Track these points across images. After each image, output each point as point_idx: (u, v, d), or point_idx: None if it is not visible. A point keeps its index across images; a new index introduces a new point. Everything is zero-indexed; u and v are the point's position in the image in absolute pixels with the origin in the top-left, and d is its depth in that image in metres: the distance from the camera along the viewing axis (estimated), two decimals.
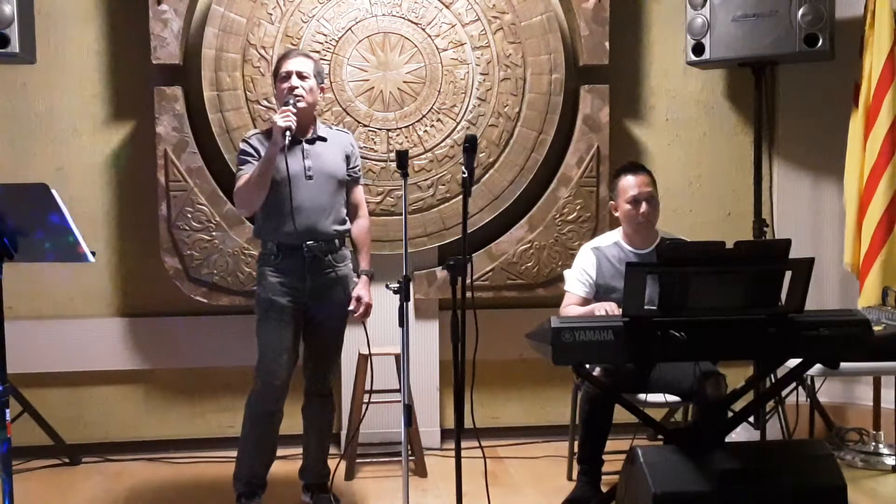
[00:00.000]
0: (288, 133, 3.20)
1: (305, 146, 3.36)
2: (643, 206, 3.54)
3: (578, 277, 3.64)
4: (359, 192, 3.58)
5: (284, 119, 3.20)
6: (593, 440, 3.47)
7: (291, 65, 3.35)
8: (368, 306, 3.47)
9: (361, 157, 4.18)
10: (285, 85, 3.33)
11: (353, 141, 3.58)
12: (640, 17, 4.50)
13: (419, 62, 4.20)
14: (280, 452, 4.10)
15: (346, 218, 3.48)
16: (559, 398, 4.43)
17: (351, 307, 3.43)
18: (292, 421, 3.50)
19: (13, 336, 2.96)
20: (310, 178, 3.34)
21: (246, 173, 3.32)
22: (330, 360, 3.55)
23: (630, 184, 3.57)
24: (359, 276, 3.50)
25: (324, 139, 3.42)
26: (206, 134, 4.13)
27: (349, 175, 3.48)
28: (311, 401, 3.54)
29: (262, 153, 3.30)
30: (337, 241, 3.42)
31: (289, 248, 3.34)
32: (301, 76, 3.34)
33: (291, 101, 3.27)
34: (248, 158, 3.34)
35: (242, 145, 3.41)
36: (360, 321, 3.46)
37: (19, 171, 4.18)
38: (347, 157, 3.48)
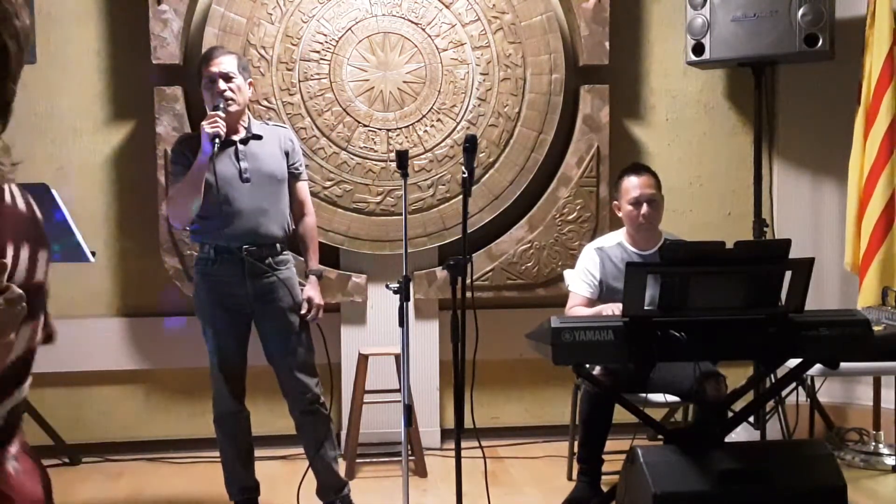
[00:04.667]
0: (217, 140, 3.08)
1: (240, 147, 3.23)
2: (644, 208, 3.53)
3: (583, 278, 3.63)
4: (303, 189, 3.44)
5: (212, 126, 3.08)
6: (593, 440, 3.47)
7: (214, 67, 3.20)
8: (319, 307, 3.34)
9: (361, 157, 4.19)
10: (213, 90, 3.19)
11: (293, 135, 3.45)
12: (640, 17, 4.50)
13: (419, 62, 4.20)
14: (280, 452, 4.14)
15: (289, 219, 3.35)
16: (559, 398, 4.43)
17: (302, 310, 3.31)
18: (290, 421, 3.49)
19: None
20: (246, 180, 3.21)
21: (178, 182, 3.21)
22: (299, 369, 3.31)
23: (633, 185, 3.56)
24: (307, 277, 3.38)
25: (259, 137, 3.29)
26: None
27: (290, 172, 3.36)
28: (297, 419, 3.39)
29: (194, 160, 3.16)
30: (278, 245, 3.30)
31: (226, 252, 3.23)
32: (227, 77, 3.19)
33: (222, 106, 3.14)
34: (180, 168, 3.21)
35: (174, 153, 3.28)
36: (312, 322, 3.35)
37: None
38: (287, 154, 3.35)
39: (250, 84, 3.33)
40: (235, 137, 3.25)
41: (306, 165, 3.66)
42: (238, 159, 3.24)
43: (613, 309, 3.36)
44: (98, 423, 4.32)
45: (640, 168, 3.65)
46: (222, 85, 3.19)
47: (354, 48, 4.17)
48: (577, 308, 3.58)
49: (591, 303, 3.59)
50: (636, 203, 3.54)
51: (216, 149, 3.11)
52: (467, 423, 2.94)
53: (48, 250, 1.24)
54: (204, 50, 4.00)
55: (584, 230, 4.32)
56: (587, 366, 3.24)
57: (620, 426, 3.51)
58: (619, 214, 3.65)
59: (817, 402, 4.16)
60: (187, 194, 3.16)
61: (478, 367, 2.96)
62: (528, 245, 4.33)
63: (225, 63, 3.22)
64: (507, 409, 4.53)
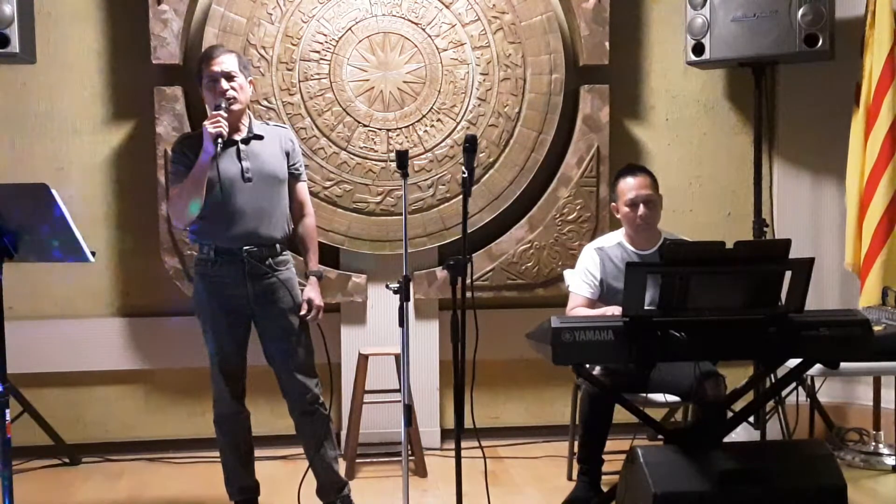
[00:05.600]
0: (220, 139, 3.06)
1: (241, 146, 3.22)
2: (641, 209, 3.53)
3: (583, 278, 3.62)
4: (302, 190, 3.43)
5: (215, 126, 3.06)
6: (593, 440, 3.47)
7: (216, 66, 3.17)
8: (319, 308, 3.33)
9: (361, 157, 4.20)
10: (215, 89, 3.18)
11: (293, 136, 3.43)
12: (640, 17, 4.50)
13: (419, 62, 4.20)
14: (280, 452, 4.15)
15: (289, 219, 3.35)
16: (559, 398, 4.43)
17: (302, 311, 3.30)
18: (290, 421, 3.49)
19: (13, 336, 2.96)
20: (248, 180, 3.20)
21: (180, 182, 3.19)
22: (299, 370, 3.31)
23: (628, 186, 3.56)
24: (307, 278, 3.37)
25: (260, 137, 3.28)
26: None
27: (290, 172, 3.35)
28: (297, 419, 3.39)
29: (195, 160, 3.14)
30: (278, 245, 3.29)
31: (227, 254, 3.22)
32: (229, 76, 3.17)
33: (224, 105, 3.12)
34: (181, 167, 3.20)
35: (174, 153, 3.27)
36: (312, 323, 3.34)
37: (19, 171, 4.18)
38: (287, 154, 3.34)
39: (251, 83, 3.32)
40: (237, 137, 3.24)
41: (306, 165, 3.66)
42: (240, 159, 3.23)
43: (615, 311, 3.36)
44: (98, 423, 4.32)
45: (635, 169, 3.64)
46: (224, 84, 3.18)
47: (354, 48, 4.17)
48: (579, 309, 3.58)
49: (591, 303, 3.58)
50: (632, 205, 3.54)
51: (219, 149, 3.10)
52: (467, 423, 2.94)
53: None
54: (203, 48, 4.00)
55: (584, 230, 4.32)
56: (587, 366, 3.24)
57: (620, 426, 3.51)
58: (618, 216, 3.65)
59: (817, 402, 4.16)
60: (190, 193, 3.15)
61: (478, 367, 2.96)
62: (528, 245, 4.33)
63: (226, 62, 3.21)
64: (507, 409, 4.53)
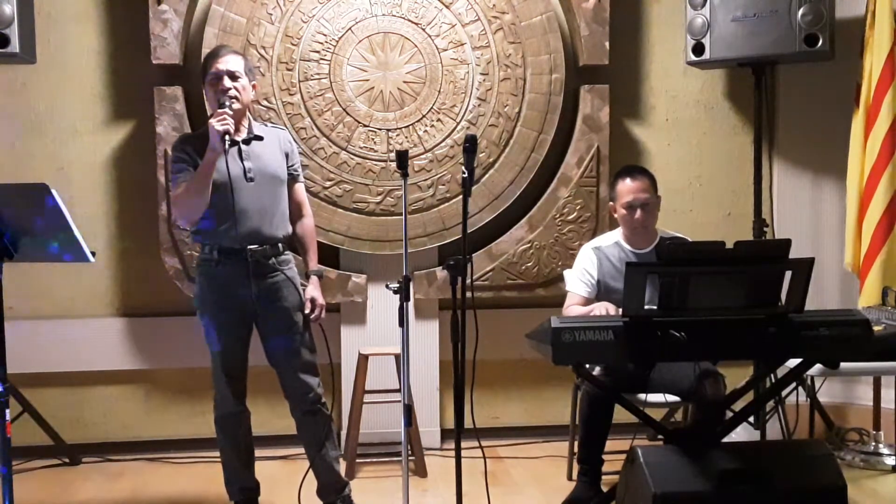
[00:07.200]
0: (227, 136, 3.06)
1: (243, 147, 3.23)
2: (637, 213, 3.54)
3: (580, 277, 3.64)
4: (300, 191, 3.45)
5: (221, 123, 3.06)
6: (593, 440, 3.47)
7: (222, 64, 3.19)
8: (322, 307, 3.34)
9: (361, 157, 4.20)
10: (218, 87, 3.19)
11: (290, 137, 3.45)
12: (640, 17, 4.50)
13: (419, 62, 4.20)
14: (280, 452, 4.15)
15: (289, 219, 3.36)
16: (559, 398, 4.43)
17: (306, 310, 3.32)
18: (290, 421, 3.49)
19: (13, 336, 2.96)
20: (251, 179, 3.21)
21: (184, 181, 3.19)
22: (302, 370, 3.32)
23: (626, 189, 3.56)
24: (308, 277, 3.38)
25: (260, 138, 3.29)
26: None
27: (289, 173, 3.36)
28: (298, 419, 3.39)
29: (198, 159, 3.15)
30: (280, 244, 3.30)
31: (231, 253, 3.23)
32: (233, 76, 3.19)
33: (227, 103, 3.13)
34: (184, 166, 3.21)
35: (176, 152, 3.27)
36: (315, 322, 3.35)
37: (19, 171, 4.18)
38: (286, 155, 3.36)
39: (254, 87, 3.34)
40: (238, 137, 3.24)
41: (306, 165, 3.66)
42: (242, 159, 3.24)
43: (607, 308, 3.38)
44: (98, 423, 4.33)
45: (634, 171, 3.63)
46: (227, 82, 3.19)
47: (354, 48, 4.17)
48: (572, 307, 3.59)
49: (588, 302, 3.59)
50: (629, 208, 3.55)
51: (228, 146, 3.10)
52: (467, 423, 2.94)
53: None
54: (204, 50, 4.00)
55: (584, 230, 4.33)
56: (587, 366, 3.24)
57: (620, 426, 3.50)
58: (615, 216, 3.66)
59: (817, 402, 4.16)
60: (198, 191, 3.14)
61: (478, 367, 2.96)
62: (528, 245, 4.33)
63: (231, 62, 3.23)
64: (507, 409, 4.53)
